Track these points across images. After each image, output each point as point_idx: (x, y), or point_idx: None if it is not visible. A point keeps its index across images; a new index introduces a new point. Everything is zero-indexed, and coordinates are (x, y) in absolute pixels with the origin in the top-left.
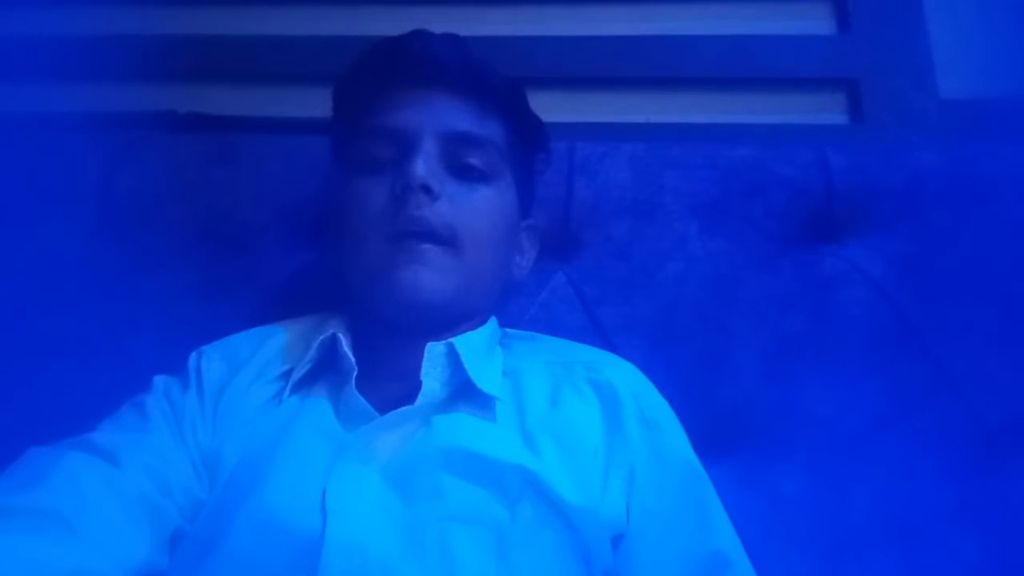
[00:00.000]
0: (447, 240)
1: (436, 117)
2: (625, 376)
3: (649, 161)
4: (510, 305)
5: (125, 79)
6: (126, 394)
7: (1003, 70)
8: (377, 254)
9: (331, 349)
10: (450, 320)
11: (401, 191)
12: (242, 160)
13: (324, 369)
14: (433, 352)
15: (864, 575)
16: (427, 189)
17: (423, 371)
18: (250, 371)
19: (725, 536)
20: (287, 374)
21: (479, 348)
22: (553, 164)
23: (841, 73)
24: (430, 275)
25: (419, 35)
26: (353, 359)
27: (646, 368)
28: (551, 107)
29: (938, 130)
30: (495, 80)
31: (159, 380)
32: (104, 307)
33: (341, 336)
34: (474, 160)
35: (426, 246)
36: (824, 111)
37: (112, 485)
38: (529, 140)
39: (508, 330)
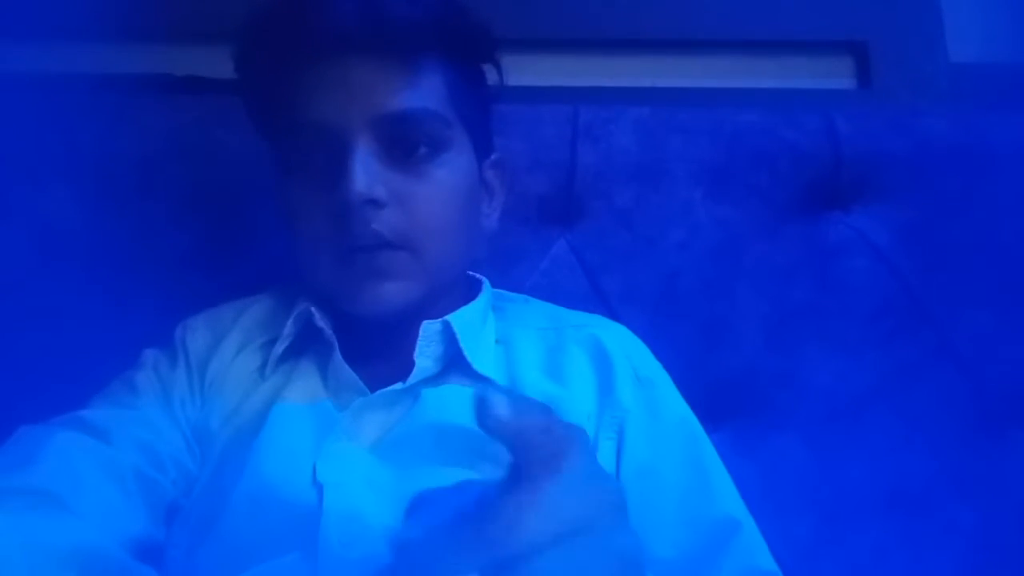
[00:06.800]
0: (402, 246)
1: (363, 99)
2: (618, 337)
3: (654, 127)
4: (511, 272)
5: (118, 40)
6: (124, 362)
7: (1014, 34)
8: (331, 270)
9: (309, 322)
10: (427, 305)
11: (343, 209)
12: (241, 123)
13: (308, 339)
14: (428, 331)
15: (861, 544)
16: (371, 202)
17: (417, 351)
18: (234, 340)
19: (730, 498)
20: (272, 342)
21: (474, 322)
22: (556, 129)
23: (849, 36)
24: (391, 285)
25: None
26: (331, 332)
27: (647, 336)
28: (554, 70)
29: (947, 95)
30: (419, 18)
31: (148, 354)
32: (101, 273)
33: (315, 310)
34: (416, 139)
35: (382, 254)
36: (832, 75)
37: (104, 462)
38: (474, 62)
39: (500, 292)
